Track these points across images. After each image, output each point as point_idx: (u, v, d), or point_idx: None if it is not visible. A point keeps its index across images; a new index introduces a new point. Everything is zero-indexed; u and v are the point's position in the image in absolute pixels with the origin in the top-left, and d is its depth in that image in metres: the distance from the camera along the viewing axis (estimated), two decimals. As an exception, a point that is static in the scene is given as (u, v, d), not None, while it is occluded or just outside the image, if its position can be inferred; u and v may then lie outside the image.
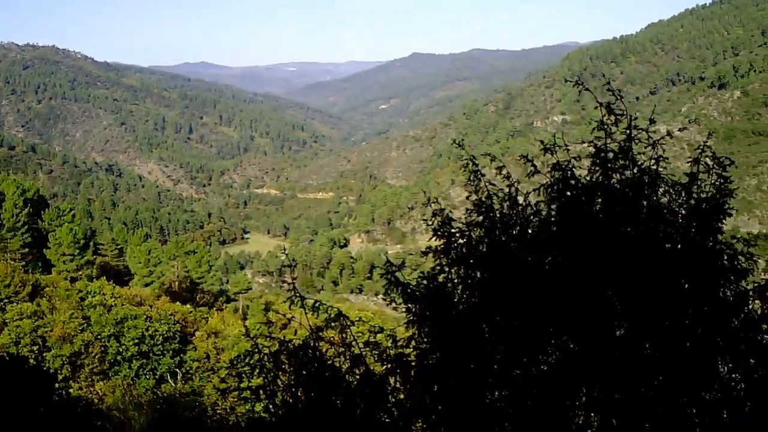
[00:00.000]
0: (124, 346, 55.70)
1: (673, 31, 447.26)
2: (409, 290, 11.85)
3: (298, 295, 11.79)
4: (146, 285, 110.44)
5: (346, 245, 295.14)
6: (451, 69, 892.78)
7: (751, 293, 11.35)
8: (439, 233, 12.07)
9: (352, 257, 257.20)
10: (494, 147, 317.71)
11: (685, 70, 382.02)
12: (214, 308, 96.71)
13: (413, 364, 11.80)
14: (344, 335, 11.84)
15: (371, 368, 11.82)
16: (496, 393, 11.45)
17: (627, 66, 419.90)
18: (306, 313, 11.81)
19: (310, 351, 11.60)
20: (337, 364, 11.70)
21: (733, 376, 11.27)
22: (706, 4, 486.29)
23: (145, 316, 58.48)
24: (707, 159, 11.56)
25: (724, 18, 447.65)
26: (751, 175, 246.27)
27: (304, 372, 11.54)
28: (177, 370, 57.45)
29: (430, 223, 12.13)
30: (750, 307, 11.36)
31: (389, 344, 11.96)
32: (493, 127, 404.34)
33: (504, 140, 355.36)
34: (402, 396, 11.73)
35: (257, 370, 11.82)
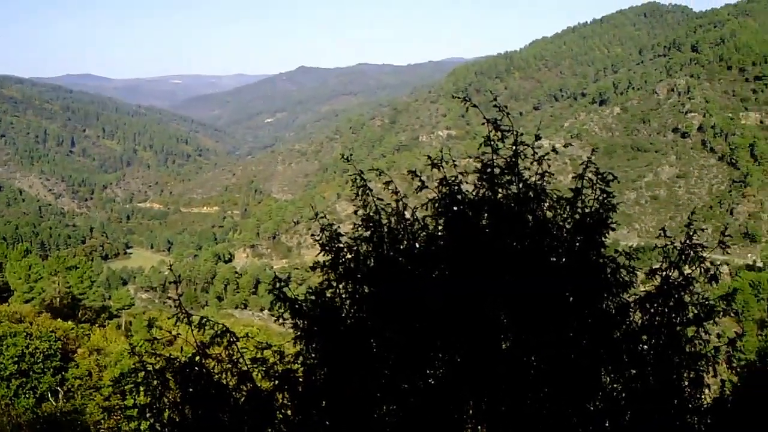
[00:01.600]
0: (2, 365, 54.16)
1: (556, 48, 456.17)
2: (296, 306, 11.80)
3: (183, 311, 11.63)
4: (26, 301, 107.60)
5: (230, 260, 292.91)
6: (337, 83, 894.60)
7: (631, 305, 11.62)
8: (326, 248, 12.06)
9: (236, 272, 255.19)
10: (380, 161, 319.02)
11: (568, 86, 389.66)
12: (97, 325, 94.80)
13: (301, 380, 11.74)
14: (231, 352, 11.72)
15: (259, 385, 11.72)
16: (385, 407, 11.46)
17: (511, 82, 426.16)
18: (192, 330, 11.65)
19: (197, 368, 11.45)
20: (224, 381, 11.56)
21: (615, 386, 11.50)
22: (587, 22, 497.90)
23: (24, 334, 56.94)
24: (590, 174, 11.80)
25: (604, 36, 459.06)
26: (631, 189, 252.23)
27: (191, 389, 11.39)
28: (58, 388, 56.16)
29: (317, 238, 12.11)
30: (631, 318, 11.63)
31: (276, 360, 11.87)
32: (379, 141, 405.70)
33: (390, 154, 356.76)
34: (290, 412, 11.66)
35: (142, 388, 11.63)
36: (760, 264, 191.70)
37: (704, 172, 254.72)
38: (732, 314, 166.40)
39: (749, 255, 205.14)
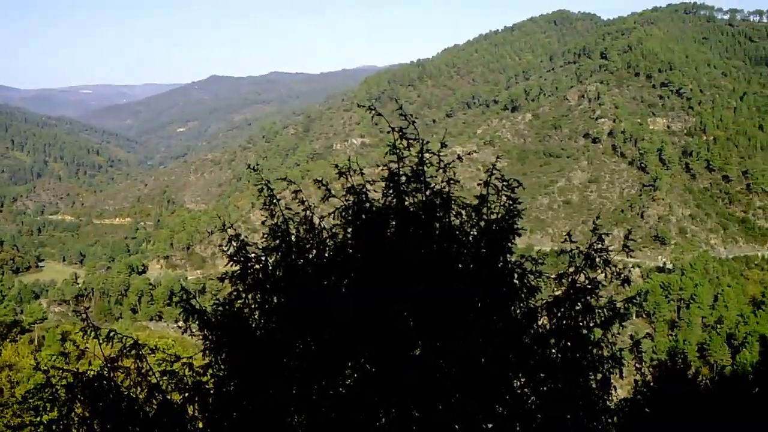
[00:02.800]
0: None
1: (468, 56, 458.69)
2: (205, 317, 11.72)
3: (91, 324, 11.48)
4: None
5: (144, 272, 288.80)
6: (250, 92, 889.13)
7: (539, 310, 11.76)
8: (234, 259, 12.00)
9: (150, 284, 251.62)
10: (294, 170, 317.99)
11: (480, 93, 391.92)
12: (8, 339, 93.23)
13: (212, 391, 11.65)
14: (140, 365, 11.59)
15: (169, 397, 11.61)
16: (296, 417, 11.43)
17: (424, 89, 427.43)
18: (101, 343, 11.49)
19: (106, 382, 11.29)
20: (134, 395, 11.43)
21: (525, 390, 11.63)
22: (498, 30, 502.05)
23: (-69, 351, 55.70)
24: (495, 181, 11.90)
25: (515, 44, 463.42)
26: (543, 194, 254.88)
27: (100, 404, 11.23)
28: (-33, 406, 54.93)
29: (225, 248, 12.05)
30: (539, 323, 11.77)
31: (187, 372, 11.76)
32: (293, 150, 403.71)
33: (304, 163, 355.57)
34: (201, 424, 11.57)
35: (48, 405, 11.44)
36: (669, 266, 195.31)
37: (615, 176, 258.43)
38: (644, 315, 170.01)
39: (659, 257, 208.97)
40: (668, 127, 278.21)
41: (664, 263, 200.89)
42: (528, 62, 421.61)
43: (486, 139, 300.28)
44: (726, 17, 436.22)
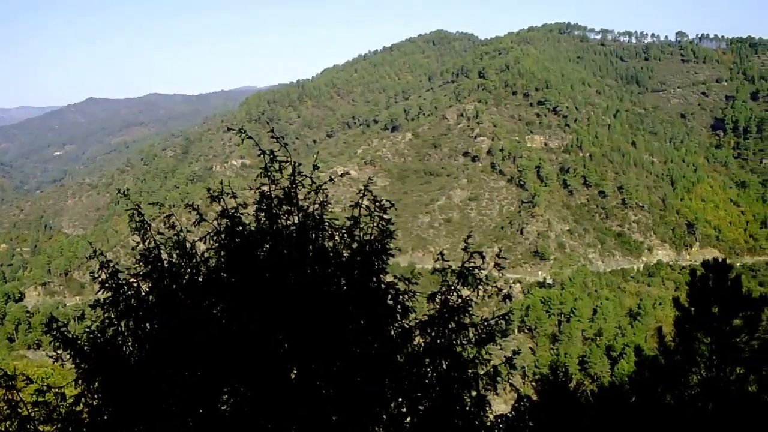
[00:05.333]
0: None
1: (347, 76, 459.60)
2: (77, 345, 11.48)
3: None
4: None
5: (21, 299, 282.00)
6: (127, 114, 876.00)
7: (414, 329, 11.82)
8: (106, 285, 11.79)
9: (28, 311, 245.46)
10: (173, 192, 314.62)
11: (360, 113, 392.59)
12: None
13: (86, 421, 11.41)
14: (10, 396, 11.29)
15: (41, 429, 11.34)
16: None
17: (304, 110, 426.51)
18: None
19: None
20: (4, 428, 11.13)
21: (401, 409, 11.67)
22: (377, 50, 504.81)
23: None
24: (367, 202, 11.94)
25: (394, 64, 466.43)
26: (424, 213, 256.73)
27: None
28: None
29: (97, 275, 11.83)
30: (414, 342, 11.83)
31: (60, 402, 11.50)
32: (172, 173, 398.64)
33: (183, 185, 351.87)
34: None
35: None
36: (549, 281, 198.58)
37: (494, 193, 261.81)
38: (526, 330, 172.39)
39: (540, 272, 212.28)
40: (546, 144, 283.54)
41: (544, 278, 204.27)
42: (407, 82, 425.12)
43: (367, 158, 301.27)
44: (598, 37, 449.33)
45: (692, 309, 23.25)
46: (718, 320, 22.63)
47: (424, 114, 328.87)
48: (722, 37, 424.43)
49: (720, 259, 23.67)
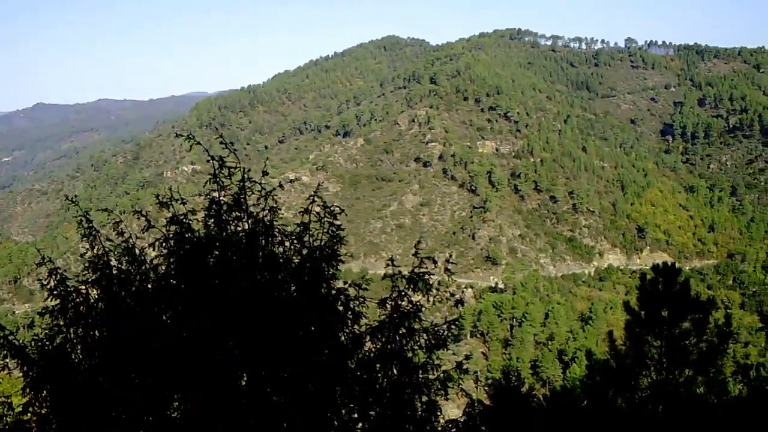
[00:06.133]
0: None
1: (299, 82, 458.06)
2: (24, 354, 11.35)
3: None
4: None
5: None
6: (77, 119, 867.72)
7: (365, 335, 11.82)
8: (55, 293, 11.66)
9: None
10: (124, 199, 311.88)
11: (312, 119, 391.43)
12: None
13: (33, 430, 11.29)
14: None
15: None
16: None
17: (255, 115, 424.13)
18: None
19: None
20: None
21: (352, 415, 11.66)
22: (329, 56, 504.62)
23: None
24: (317, 208, 11.93)
25: (345, 69, 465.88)
26: (377, 219, 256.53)
27: None
28: None
29: (45, 282, 11.71)
30: (365, 348, 11.83)
31: (6, 412, 11.37)
32: (123, 179, 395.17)
33: (134, 191, 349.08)
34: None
35: None
36: (501, 286, 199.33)
37: (446, 199, 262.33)
38: (479, 335, 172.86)
39: (492, 277, 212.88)
40: (497, 149, 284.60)
41: (497, 283, 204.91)
42: (359, 88, 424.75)
43: (318, 164, 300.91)
44: (549, 43, 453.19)
45: (642, 313, 23.48)
46: (667, 323, 22.89)
47: (375, 119, 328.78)
48: (670, 44, 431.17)
49: (669, 263, 23.95)
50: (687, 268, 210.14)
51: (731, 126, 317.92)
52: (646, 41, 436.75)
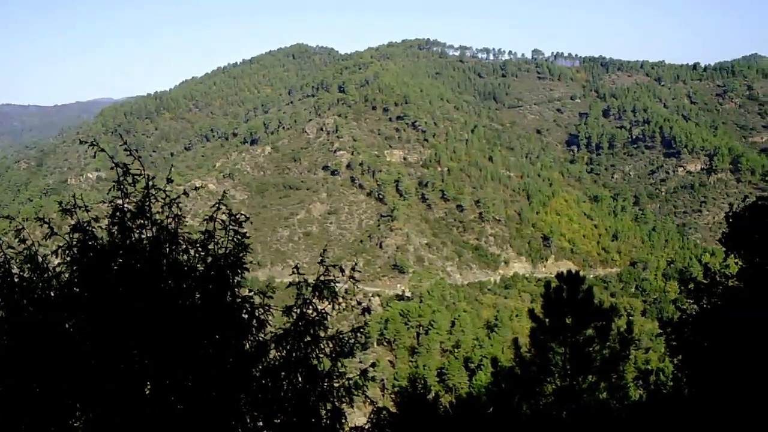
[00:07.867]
0: None
1: (206, 89, 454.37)
2: None
3: None
4: None
5: None
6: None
7: (269, 343, 11.82)
8: (-50, 302, 11.43)
9: None
10: (27, 206, 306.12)
11: (219, 126, 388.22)
12: None
13: None
14: None
15: None
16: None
17: (162, 122, 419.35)
18: None
19: None
20: None
21: (257, 423, 11.64)
22: (237, 63, 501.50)
23: None
24: (223, 216, 11.91)
25: (253, 77, 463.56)
26: (284, 227, 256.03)
27: None
28: None
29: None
30: (270, 356, 11.82)
31: None
32: (26, 186, 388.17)
33: (38, 198, 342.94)
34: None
35: None
36: (408, 294, 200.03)
37: (354, 207, 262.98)
38: (385, 343, 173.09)
39: (399, 286, 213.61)
40: (405, 158, 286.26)
41: (403, 291, 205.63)
42: (267, 95, 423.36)
43: (225, 172, 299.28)
44: (457, 54, 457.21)
45: (547, 320, 23.83)
46: (571, 331, 23.27)
47: (283, 127, 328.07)
48: (576, 55, 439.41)
49: (573, 272, 24.36)
50: (591, 276, 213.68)
51: (634, 137, 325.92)
52: (552, 53, 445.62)
